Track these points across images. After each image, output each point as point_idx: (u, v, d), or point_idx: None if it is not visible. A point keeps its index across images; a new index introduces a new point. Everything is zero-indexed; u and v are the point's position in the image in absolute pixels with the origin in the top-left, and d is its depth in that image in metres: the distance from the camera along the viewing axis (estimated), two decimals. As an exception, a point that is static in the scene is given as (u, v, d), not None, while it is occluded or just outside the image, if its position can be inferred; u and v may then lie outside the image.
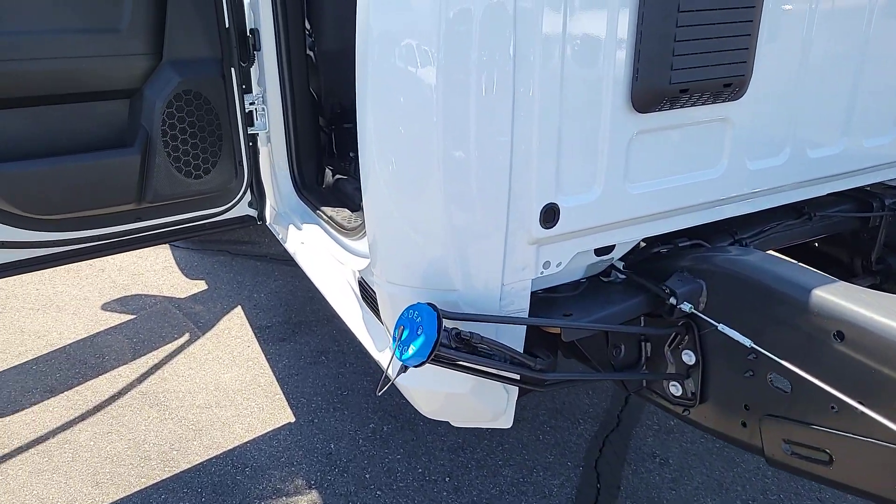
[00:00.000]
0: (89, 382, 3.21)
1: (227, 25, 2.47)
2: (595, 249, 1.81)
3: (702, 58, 1.54)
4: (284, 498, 2.55)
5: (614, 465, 2.72)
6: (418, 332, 1.44)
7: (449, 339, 1.47)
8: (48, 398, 3.10)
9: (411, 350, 1.43)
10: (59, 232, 2.36)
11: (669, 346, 1.88)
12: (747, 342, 1.60)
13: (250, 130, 2.68)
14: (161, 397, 3.10)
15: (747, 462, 2.72)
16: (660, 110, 1.60)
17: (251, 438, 2.86)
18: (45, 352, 3.46)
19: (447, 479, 2.64)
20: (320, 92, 3.05)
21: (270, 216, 2.93)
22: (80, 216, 2.38)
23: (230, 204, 2.70)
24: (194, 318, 3.78)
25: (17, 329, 3.66)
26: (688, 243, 1.97)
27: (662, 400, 1.96)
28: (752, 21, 1.59)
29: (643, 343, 1.93)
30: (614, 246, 1.84)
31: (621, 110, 1.57)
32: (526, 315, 1.69)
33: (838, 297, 1.51)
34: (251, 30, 2.59)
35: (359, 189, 2.76)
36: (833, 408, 1.49)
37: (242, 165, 2.66)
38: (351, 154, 3.11)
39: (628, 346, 1.94)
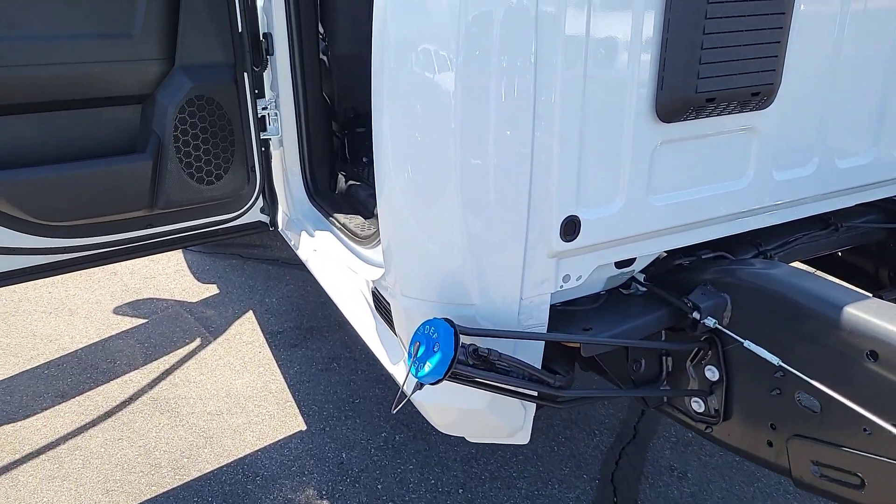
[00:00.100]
0: (100, 387, 3.20)
1: (240, 30, 2.44)
2: (615, 262, 1.75)
3: (729, 66, 1.48)
4: (295, 508, 2.52)
5: (631, 478, 2.66)
6: (435, 349, 1.39)
7: (466, 356, 1.43)
8: (59, 403, 3.09)
9: (427, 367, 1.39)
10: (71, 238, 2.34)
11: (692, 360, 1.82)
12: (775, 360, 1.55)
13: (263, 136, 2.65)
14: (172, 403, 3.08)
15: (768, 477, 2.65)
16: (685, 120, 1.54)
17: (262, 446, 2.83)
18: (56, 356, 3.45)
19: (460, 490, 2.60)
20: (333, 96, 3.02)
21: (282, 222, 2.90)
22: (91, 223, 2.36)
23: (242, 210, 2.67)
24: (206, 323, 3.76)
25: (29, 332, 3.66)
26: (711, 255, 1.91)
27: (684, 416, 1.91)
28: (781, 28, 1.54)
29: (664, 357, 1.88)
30: (635, 258, 1.79)
31: (645, 120, 1.52)
32: (545, 329, 1.65)
33: (872, 316, 1.45)
34: (264, 34, 2.56)
35: (372, 196, 2.75)
36: (866, 430, 1.44)
37: (255, 171, 2.63)
38: (364, 159, 3.08)
39: (649, 360, 1.89)
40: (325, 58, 2.98)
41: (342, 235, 2.41)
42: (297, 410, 3.04)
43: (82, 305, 3.94)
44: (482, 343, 1.47)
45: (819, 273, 2.71)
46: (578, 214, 1.52)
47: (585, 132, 1.48)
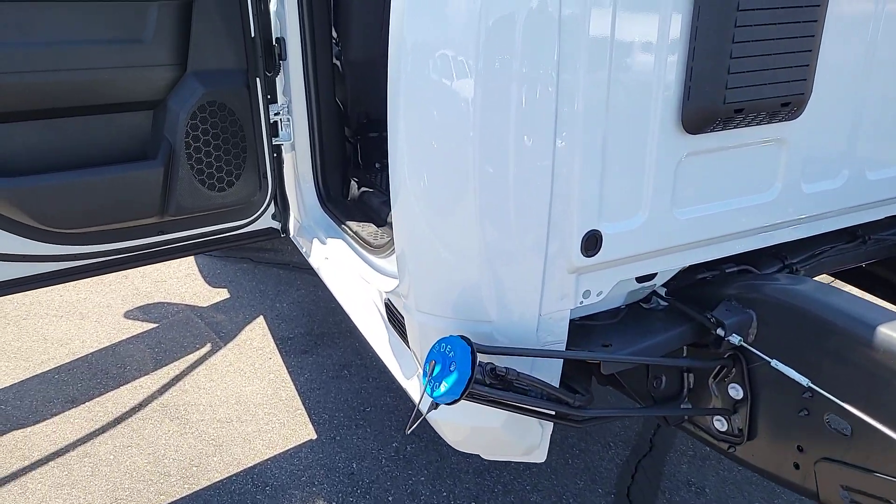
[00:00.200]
0: (110, 393, 3.18)
1: (252, 35, 2.41)
2: (637, 276, 1.70)
3: (759, 75, 1.43)
4: (305, 520, 2.48)
5: (647, 493, 2.60)
6: (451, 368, 1.35)
7: (483, 375, 1.38)
8: (69, 409, 3.07)
9: (443, 387, 1.34)
10: (81, 245, 2.32)
11: (714, 378, 1.77)
12: (804, 381, 1.49)
13: (275, 141, 2.62)
14: (182, 410, 3.06)
15: (789, 494, 2.58)
16: (711, 131, 1.49)
17: (272, 455, 2.80)
18: (67, 360, 3.44)
19: (472, 503, 2.55)
20: (346, 101, 2.99)
21: (294, 229, 2.87)
22: (102, 230, 2.33)
23: (253, 217, 2.64)
24: (216, 328, 3.73)
25: (40, 336, 3.65)
26: (735, 269, 1.85)
27: (705, 434, 1.85)
28: (813, 36, 1.48)
29: (685, 374, 1.82)
30: (657, 272, 1.74)
31: (670, 131, 1.47)
32: (563, 346, 1.59)
33: (907, 336, 1.39)
34: (277, 39, 2.53)
35: (385, 203, 2.71)
36: (900, 456, 1.38)
37: (266, 178, 2.60)
38: (377, 165, 3.04)
39: (670, 376, 1.83)
40: (338, 62, 2.95)
41: (354, 244, 2.37)
42: (308, 419, 3.01)
43: (93, 309, 3.93)
44: (500, 361, 1.42)
45: (837, 283, 2.64)
46: (600, 229, 1.47)
47: (608, 144, 1.43)
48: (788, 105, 1.52)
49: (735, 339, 1.63)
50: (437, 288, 1.56)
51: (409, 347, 1.79)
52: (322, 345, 3.58)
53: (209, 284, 4.25)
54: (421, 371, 1.71)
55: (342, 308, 2.46)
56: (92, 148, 2.24)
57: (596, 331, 1.71)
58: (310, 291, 4.13)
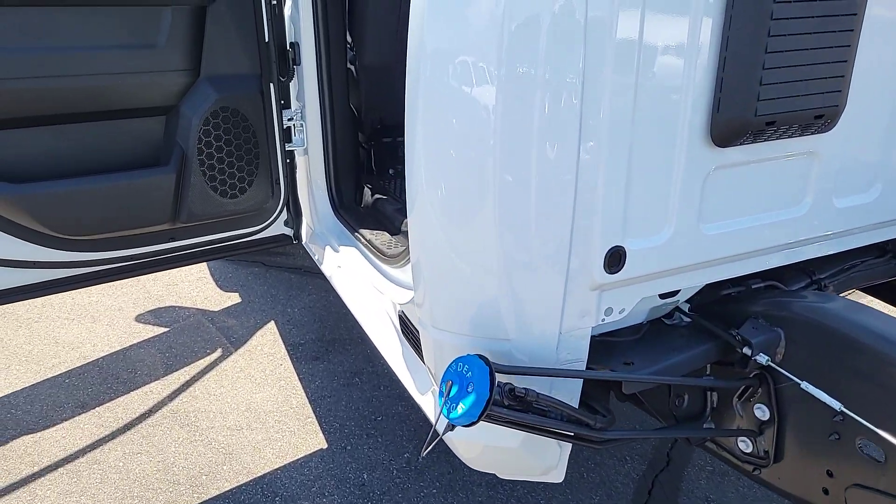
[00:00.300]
0: (121, 398, 3.16)
1: (266, 39, 2.38)
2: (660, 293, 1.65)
3: (793, 87, 1.37)
4: (315, 533, 2.44)
5: (665, 510, 2.54)
6: (468, 389, 1.30)
7: (502, 396, 1.34)
8: (79, 414, 3.05)
9: (461, 409, 1.30)
10: (92, 252, 2.29)
11: (739, 397, 1.71)
12: (836, 405, 1.43)
13: (288, 147, 2.58)
14: (192, 417, 3.03)
15: (811, 513, 2.51)
16: (741, 144, 1.43)
17: (282, 465, 2.76)
18: (78, 364, 3.42)
19: (485, 518, 2.50)
20: (360, 106, 2.95)
21: (306, 235, 2.83)
22: (113, 236, 2.31)
23: (265, 223, 2.61)
24: (227, 333, 3.71)
25: (51, 340, 3.64)
26: (761, 285, 1.79)
27: (729, 455, 1.79)
28: (849, 46, 1.42)
29: (709, 393, 1.76)
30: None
31: (698, 144, 1.41)
32: (584, 365, 1.54)
33: (948, 361, 1.33)
34: (291, 43, 2.49)
35: (399, 210, 2.66)
36: (939, 486, 1.32)
37: (279, 184, 2.57)
38: (391, 171, 3.00)
39: (692, 395, 1.77)
40: (352, 67, 2.91)
41: (368, 253, 2.33)
42: (318, 427, 2.97)
43: (105, 312, 3.92)
44: (518, 381, 1.37)
45: (861, 297, 2.56)
46: (624, 245, 1.42)
47: (634, 155, 1.38)
48: (822, 117, 1.46)
49: (762, 358, 1.57)
50: (453, 303, 1.51)
51: (423, 362, 1.74)
52: (333, 351, 3.54)
53: (221, 288, 4.22)
54: (436, 388, 1.67)
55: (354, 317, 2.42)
56: (104, 154, 2.21)
57: (617, 348, 1.66)
58: (321, 296, 4.09)
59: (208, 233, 2.50)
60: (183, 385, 3.26)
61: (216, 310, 3.96)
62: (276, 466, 2.75)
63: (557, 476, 1.71)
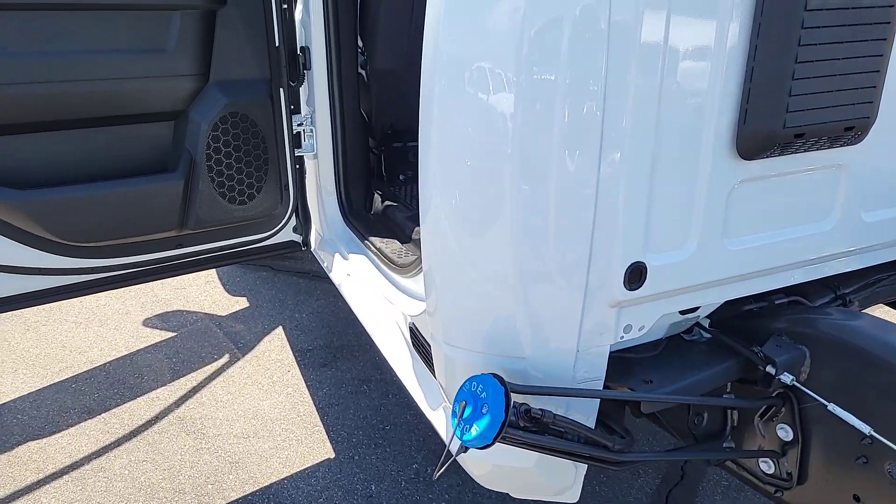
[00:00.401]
0: (127, 404, 3.13)
1: (276, 44, 2.34)
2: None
3: (823, 98, 1.31)
4: (322, 546, 2.40)
5: (679, 526, 2.48)
6: (483, 411, 1.26)
7: (517, 417, 1.29)
8: (85, 419, 3.02)
9: (475, 431, 1.25)
10: (99, 259, 2.26)
11: (761, 417, 1.65)
12: (866, 429, 1.37)
13: (297, 153, 2.54)
14: (198, 424, 3.00)
15: (830, 532, 2.44)
16: (768, 157, 1.38)
17: (289, 474, 2.72)
18: (85, 369, 3.40)
19: (495, 532, 2.45)
20: (371, 112, 2.91)
21: (315, 242, 2.79)
22: (120, 243, 2.27)
23: (274, 230, 2.57)
24: (234, 339, 3.68)
25: (59, 344, 3.62)
26: (785, 300, 1.73)
27: (750, 476, 1.73)
28: (882, 55, 1.36)
29: (729, 411, 1.71)
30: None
31: (723, 156, 1.36)
32: (601, 384, 1.49)
33: None
34: (302, 48, 2.45)
35: (409, 218, 2.62)
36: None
37: (288, 189, 2.53)
38: (401, 177, 2.95)
39: (712, 413, 1.72)
40: (363, 72, 2.87)
41: (378, 261, 2.29)
42: (326, 436, 2.93)
43: (112, 316, 3.90)
44: (535, 401, 1.32)
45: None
46: (645, 260, 1.37)
47: (657, 167, 1.32)
48: (852, 129, 1.40)
49: (787, 378, 1.52)
50: (467, 317, 1.47)
51: (434, 376, 1.69)
52: (341, 358, 3.50)
53: (228, 293, 4.19)
54: (447, 404, 1.62)
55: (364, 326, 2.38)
56: (112, 160, 2.18)
57: (635, 365, 1.60)
58: (329, 302, 4.06)
59: (216, 239, 2.46)
60: (190, 391, 3.23)
61: (224, 314, 3.94)
62: (283, 476, 2.71)
63: (572, 496, 1.66)
